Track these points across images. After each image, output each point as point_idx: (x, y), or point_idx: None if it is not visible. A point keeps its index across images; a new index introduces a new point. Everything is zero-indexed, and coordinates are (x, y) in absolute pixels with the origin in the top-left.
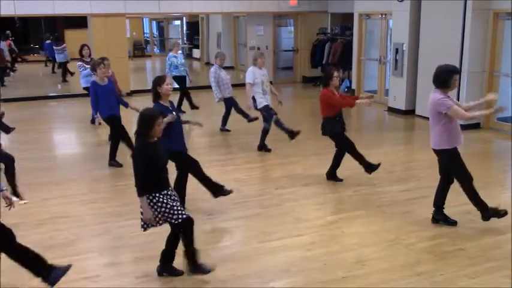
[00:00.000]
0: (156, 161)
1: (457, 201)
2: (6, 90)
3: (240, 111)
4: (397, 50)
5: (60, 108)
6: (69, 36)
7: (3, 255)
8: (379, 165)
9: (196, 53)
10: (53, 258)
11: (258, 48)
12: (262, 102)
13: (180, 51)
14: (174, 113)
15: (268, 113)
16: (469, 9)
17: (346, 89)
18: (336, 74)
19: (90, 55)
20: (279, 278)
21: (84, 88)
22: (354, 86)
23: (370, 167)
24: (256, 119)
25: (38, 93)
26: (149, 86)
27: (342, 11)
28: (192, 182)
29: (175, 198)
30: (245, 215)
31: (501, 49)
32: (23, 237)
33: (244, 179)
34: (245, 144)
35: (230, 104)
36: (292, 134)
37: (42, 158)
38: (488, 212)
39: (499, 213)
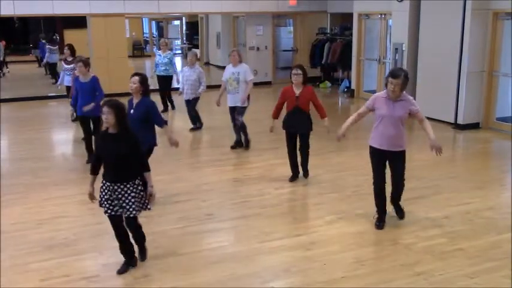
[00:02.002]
0: (98, 151)
1: (456, 201)
2: (5, 90)
3: (191, 116)
4: (396, 50)
5: (60, 108)
6: (68, 37)
7: (3, 255)
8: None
9: None
10: (52, 258)
11: (258, 49)
12: (227, 102)
13: (169, 51)
14: (131, 111)
15: (231, 116)
16: (468, 9)
17: (345, 89)
18: (294, 71)
19: (71, 54)
20: (278, 278)
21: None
22: (353, 86)
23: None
24: (196, 129)
25: (38, 93)
26: (150, 86)
27: (341, 11)
28: (191, 182)
29: (119, 197)
30: (245, 215)
31: (500, 49)
32: (23, 237)
33: (244, 179)
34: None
35: (188, 105)
36: (234, 145)
37: (42, 158)
38: (379, 223)
39: (378, 226)
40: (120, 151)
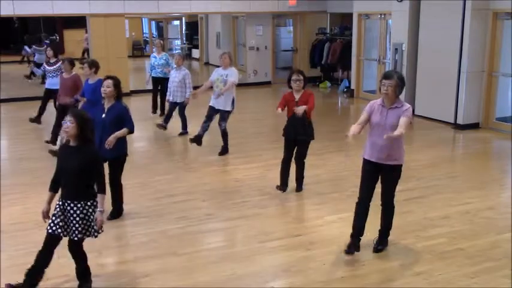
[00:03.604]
0: (57, 165)
1: (456, 201)
2: (5, 90)
3: (182, 118)
4: (396, 50)
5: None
6: (68, 37)
7: (3, 255)
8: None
9: (195, 53)
10: (53, 259)
11: (257, 49)
12: (210, 102)
13: (164, 52)
14: (103, 115)
15: (207, 113)
16: (468, 9)
17: (345, 89)
18: (294, 77)
19: (54, 55)
20: (278, 278)
21: (48, 90)
22: (353, 86)
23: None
24: (185, 133)
25: (37, 93)
26: (148, 87)
27: (341, 11)
28: (190, 182)
29: (67, 216)
30: (245, 215)
31: (500, 49)
32: (23, 237)
33: (244, 179)
34: (244, 145)
35: (172, 106)
36: (196, 140)
37: (42, 157)
38: (350, 244)
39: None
40: (75, 166)
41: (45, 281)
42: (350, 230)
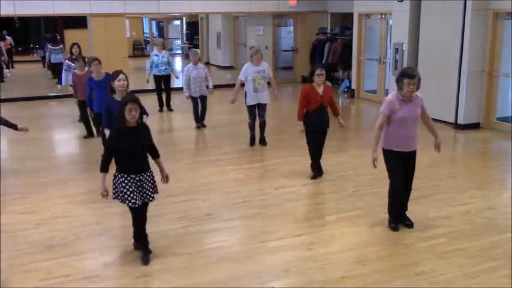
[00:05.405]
0: (116, 148)
1: (457, 201)
2: (6, 90)
3: (202, 112)
4: (396, 50)
5: (60, 108)
6: (68, 37)
7: (3, 255)
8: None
9: None
10: (52, 258)
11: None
12: (248, 101)
13: (165, 51)
14: None
15: (249, 113)
16: (468, 9)
17: (346, 89)
18: (318, 71)
19: (80, 53)
20: (278, 278)
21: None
22: (353, 86)
23: (317, 172)
24: (204, 126)
25: (38, 93)
26: (148, 86)
27: (342, 10)
28: (191, 182)
29: (143, 185)
30: (245, 215)
31: (501, 49)
32: (23, 237)
33: (244, 179)
34: (245, 144)
35: (197, 101)
36: (252, 142)
37: (42, 157)
38: (395, 225)
39: (394, 228)
40: (144, 143)
41: (48, 280)
42: (350, 230)
